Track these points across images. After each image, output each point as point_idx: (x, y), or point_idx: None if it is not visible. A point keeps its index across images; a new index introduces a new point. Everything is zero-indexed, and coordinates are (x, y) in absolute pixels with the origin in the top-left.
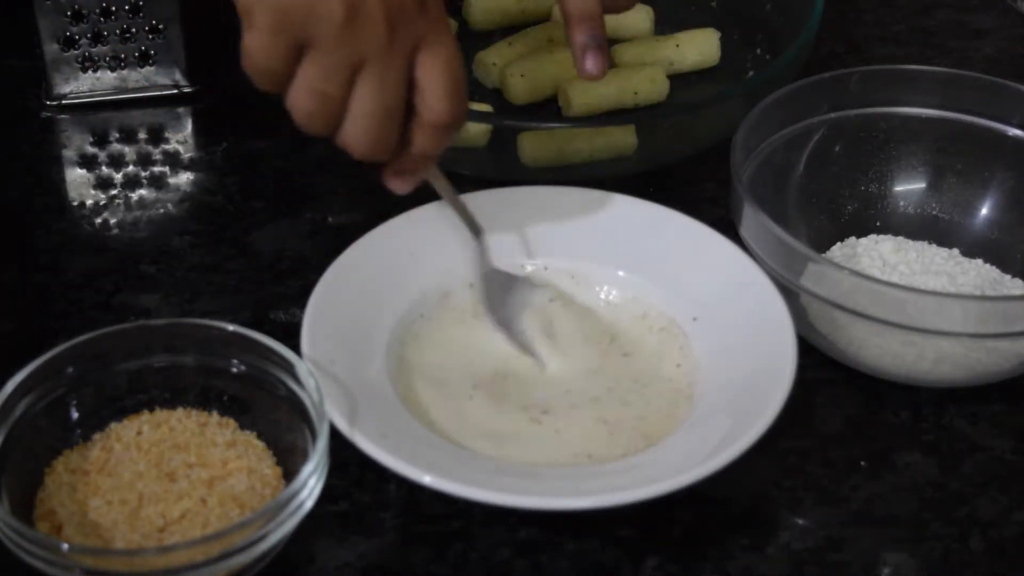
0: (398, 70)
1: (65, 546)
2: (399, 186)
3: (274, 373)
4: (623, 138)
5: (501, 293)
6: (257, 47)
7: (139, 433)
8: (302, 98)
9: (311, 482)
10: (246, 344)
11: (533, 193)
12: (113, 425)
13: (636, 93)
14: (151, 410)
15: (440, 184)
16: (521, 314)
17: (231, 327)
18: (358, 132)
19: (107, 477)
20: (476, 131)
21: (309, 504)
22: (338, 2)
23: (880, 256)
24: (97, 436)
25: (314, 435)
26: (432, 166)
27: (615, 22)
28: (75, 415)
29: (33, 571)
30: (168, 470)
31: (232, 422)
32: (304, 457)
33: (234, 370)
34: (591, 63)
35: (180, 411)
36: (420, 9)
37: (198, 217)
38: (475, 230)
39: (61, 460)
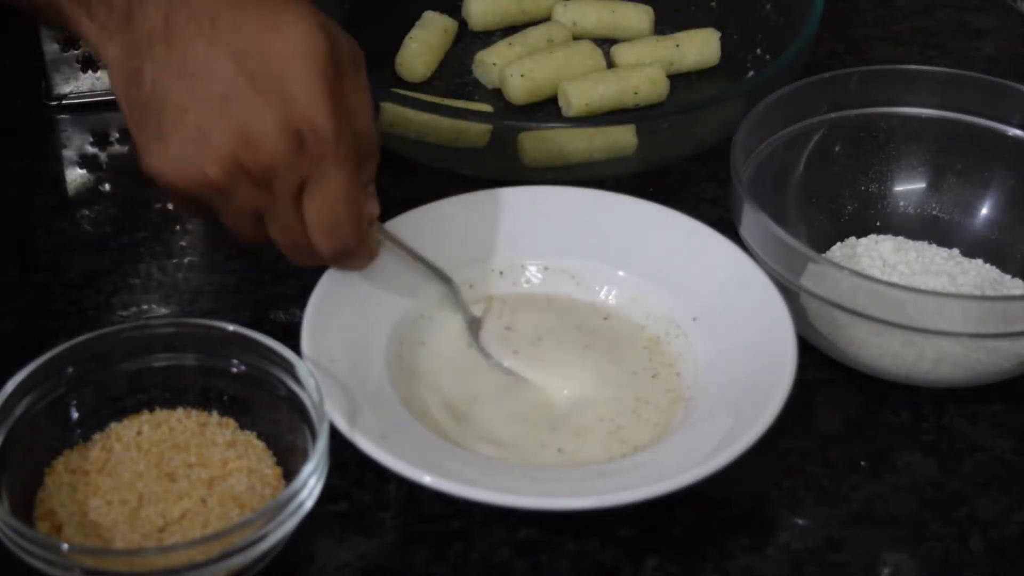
0: (287, 216)
1: (65, 546)
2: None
3: (274, 373)
4: (623, 138)
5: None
6: (175, 202)
7: (139, 433)
8: (237, 231)
9: (311, 482)
10: (246, 344)
11: (533, 193)
12: (113, 425)
13: (636, 93)
14: (151, 410)
15: (397, 244)
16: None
17: (231, 327)
18: (292, 255)
19: (107, 477)
20: (476, 131)
21: (309, 504)
22: (213, 175)
23: (880, 256)
24: (97, 436)
25: (314, 435)
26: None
27: (615, 22)
28: (75, 415)
29: (33, 571)
30: (168, 470)
31: (232, 422)
32: (304, 457)
33: (234, 370)
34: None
35: (180, 411)
36: (295, 154)
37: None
38: (444, 279)
39: (61, 460)
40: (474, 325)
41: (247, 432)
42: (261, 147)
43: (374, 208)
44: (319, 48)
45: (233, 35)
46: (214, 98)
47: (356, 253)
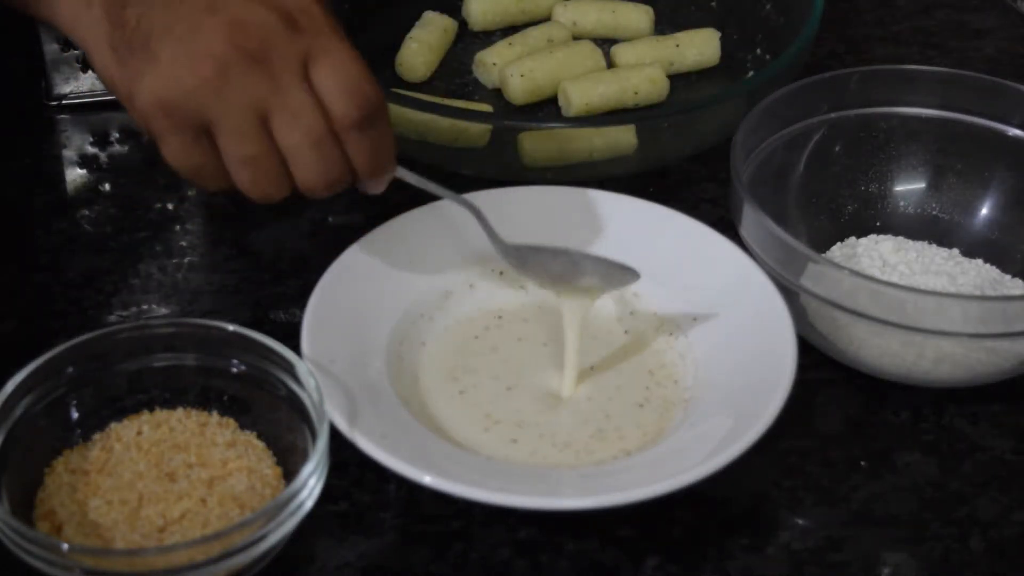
0: (298, 96)
1: (65, 546)
2: (372, 186)
3: (274, 373)
4: (623, 138)
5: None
6: (174, 153)
7: (139, 433)
8: (241, 173)
9: (311, 482)
10: (246, 344)
11: (533, 193)
12: (113, 425)
13: (636, 93)
14: (151, 410)
15: (413, 178)
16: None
17: (231, 327)
18: (307, 168)
19: (107, 477)
20: (476, 131)
21: (309, 504)
22: (208, 71)
23: (880, 256)
24: (97, 436)
25: (314, 435)
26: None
27: (615, 22)
28: (75, 415)
29: (33, 571)
30: (168, 470)
31: (232, 422)
32: (304, 457)
33: (234, 370)
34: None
35: (180, 411)
36: (290, 31)
37: (198, 217)
38: (472, 209)
39: (61, 460)
40: (508, 250)
41: (247, 432)
42: (253, 29)
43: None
44: None
45: None
46: (199, 6)
47: (381, 120)
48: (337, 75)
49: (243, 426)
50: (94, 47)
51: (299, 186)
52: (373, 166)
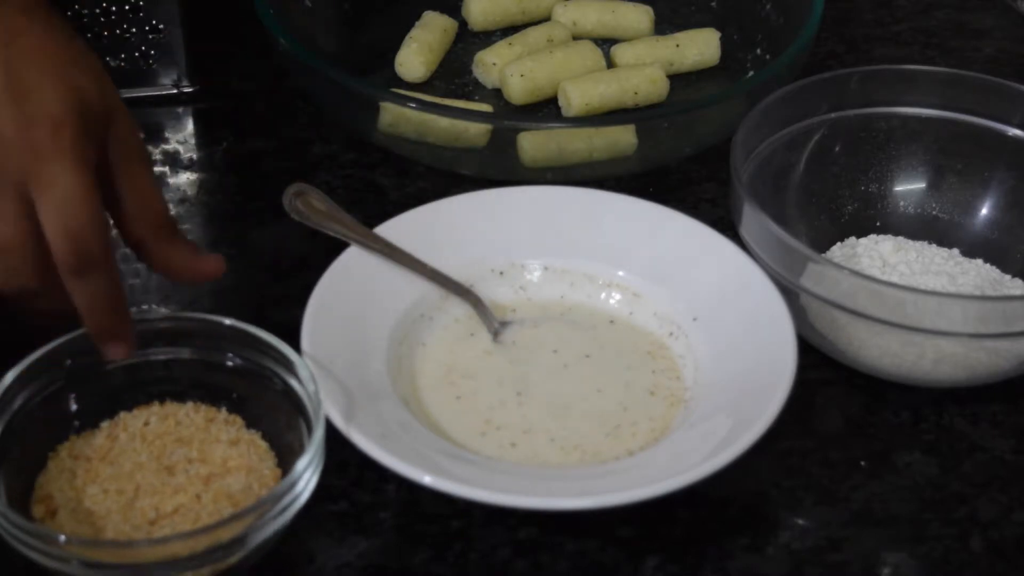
0: (15, 223)
1: (62, 538)
2: (115, 351)
3: (270, 367)
4: (623, 138)
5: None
6: None
7: (146, 424)
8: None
9: (307, 475)
10: (243, 338)
11: (533, 193)
12: (123, 414)
13: (636, 93)
14: (161, 402)
15: (411, 262)
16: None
17: (228, 321)
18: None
19: (108, 465)
20: (476, 131)
21: (304, 498)
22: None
23: (880, 256)
24: (105, 424)
25: (310, 429)
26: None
27: (615, 22)
28: (73, 407)
29: (31, 563)
30: (168, 463)
31: (239, 420)
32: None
33: (230, 364)
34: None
35: (190, 405)
36: (25, 147)
37: (198, 217)
38: (465, 294)
39: (66, 445)
40: (499, 331)
41: (252, 431)
42: None
43: (214, 263)
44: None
45: None
46: None
47: (99, 269)
48: (58, 214)
49: (250, 425)
50: None
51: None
52: (93, 316)
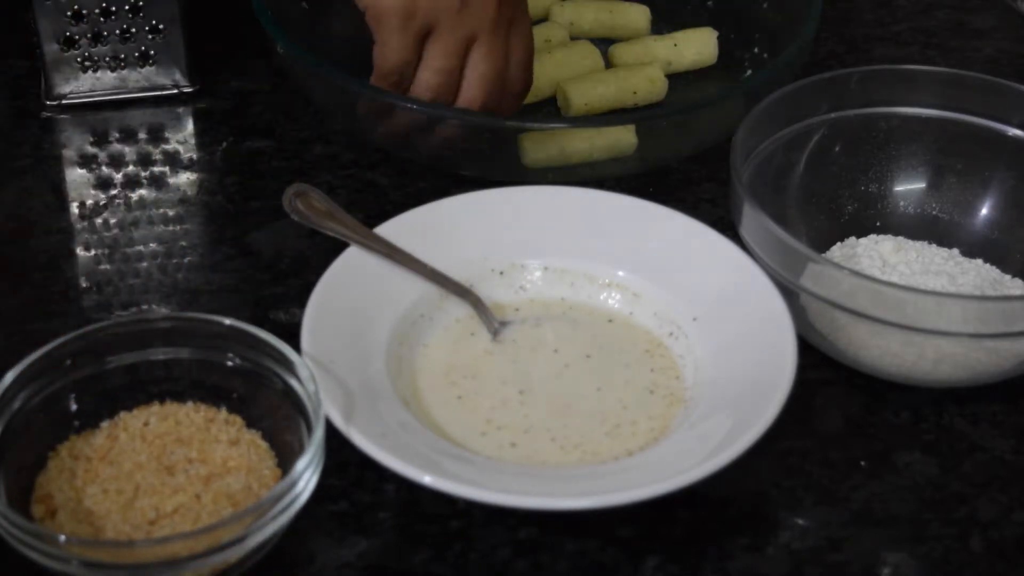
0: (503, 39)
1: (62, 538)
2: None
3: (270, 367)
4: (623, 138)
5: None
6: (392, 46)
7: (146, 424)
8: (430, 78)
9: (307, 475)
10: (242, 338)
11: (533, 193)
12: (123, 414)
13: (635, 93)
14: (161, 402)
15: (411, 262)
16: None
17: (227, 321)
18: (476, 93)
19: (108, 465)
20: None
21: (304, 498)
22: None
23: (880, 256)
24: (106, 424)
25: (310, 428)
26: None
27: (613, 22)
28: (73, 407)
29: (31, 562)
30: (168, 463)
31: (239, 420)
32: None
33: (230, 364)
34: None
35: (190, 405)
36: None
37: (198, 217)
38: (464, 293)
39: (66, 445)
40: (499, 330)
41: (252, 431)
42: None
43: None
44: None
45: None
46: None
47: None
48: (528, 51)
49: (250, 425)
50: None
51: (459, 100)
52: (511, 108)
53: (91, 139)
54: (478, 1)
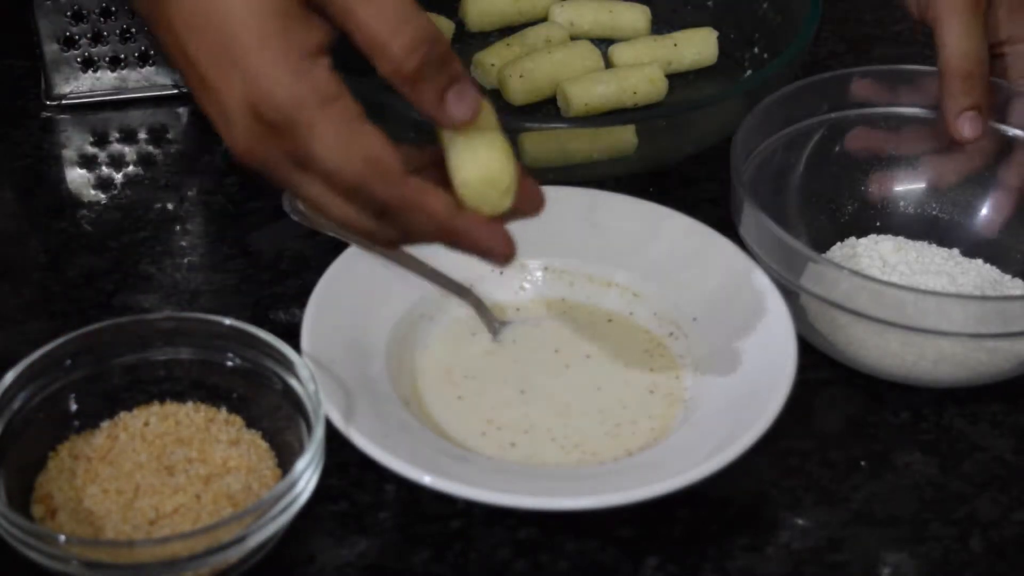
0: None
1: (62, 538)
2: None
3: (270, 367)
4: (623, 138)
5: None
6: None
7: (146, 424)
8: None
9: (307, 475)
10: (243, 338)
11: None
12: (123, 414)
13: (635, 93)
14: (161, 402)
15: (410, 263)
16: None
17: (228, 321)
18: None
19: (108, 466)
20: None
21: (304, 498)
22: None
23: (880, 256)
24: (105, 424)
25: (310, 429)
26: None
27: (612, 22)
28: (73, 408)
29: (30, 562)
30: (168, 463)
31: (239, 420)
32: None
33: (230, 364)
34: (968, 128)
35: (190, 405)
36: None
37: (198, 217)
38: (464, 293)
39: (66, 445)
40: (499, 330)
41: (252, 431)
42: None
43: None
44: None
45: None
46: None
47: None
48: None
49: (250, 425)
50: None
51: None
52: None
53: (91, 139)
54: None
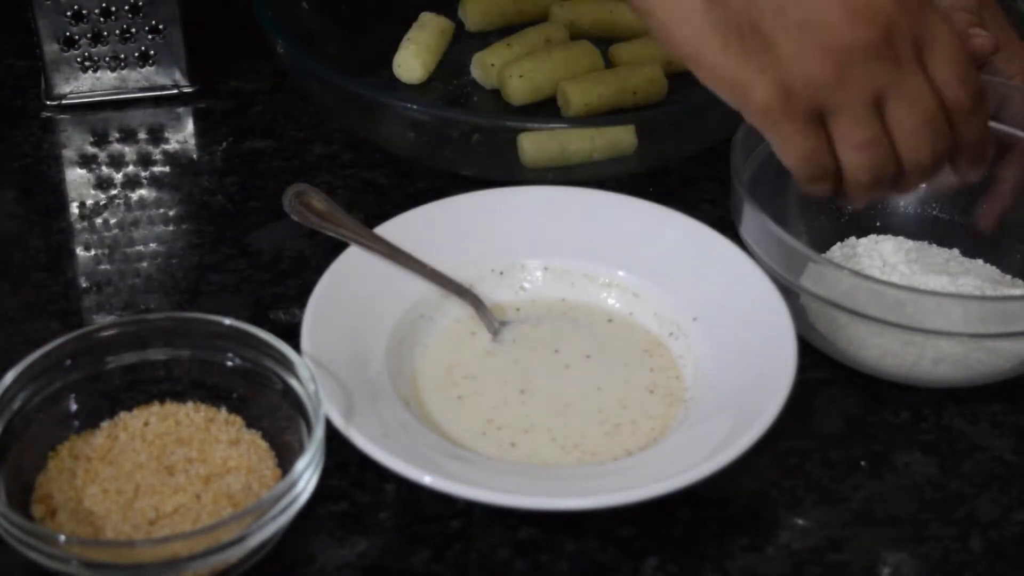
0: (916, 81)
1: (62, 538)
2: (971, 172)
3: (270, 367)
4: (623, 138)
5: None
6: (788, 139)
7: (146, 424)
8: (858, 157)
9: (307, 475)
10: (243, 338)
11: (533, 193)
12: (123, 414)
13: (635, 93)
14: (161, 402)
15: (408, 260)
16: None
17: (228, 321)
18: (920, 147)
19: (108, 465)
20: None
21: (304, 498)
22: (832, 64)
23: (880, 256)
24: (105, 424)
25: (310, 429)
26: None
27: (613, 21)
28: (73, 407)
29: (30, 562)
30: (168, 463)
31: (239, 420)
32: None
33: (230, 364)
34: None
35: (190, 405)
36: (904, 15)
37: (198, 217)
38: (463, 292)
39: (66, 445)
40: (499, 330)
41: (253, 431)
42: (873, 16)
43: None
44: None
45: None
46: None
47: (985, 107)
48: (950, 63)
49: (250, 425)
50: (702, 43)
51: (907, 165)
52: (978, 150)
53: (91, 139)
54: (862, 65)
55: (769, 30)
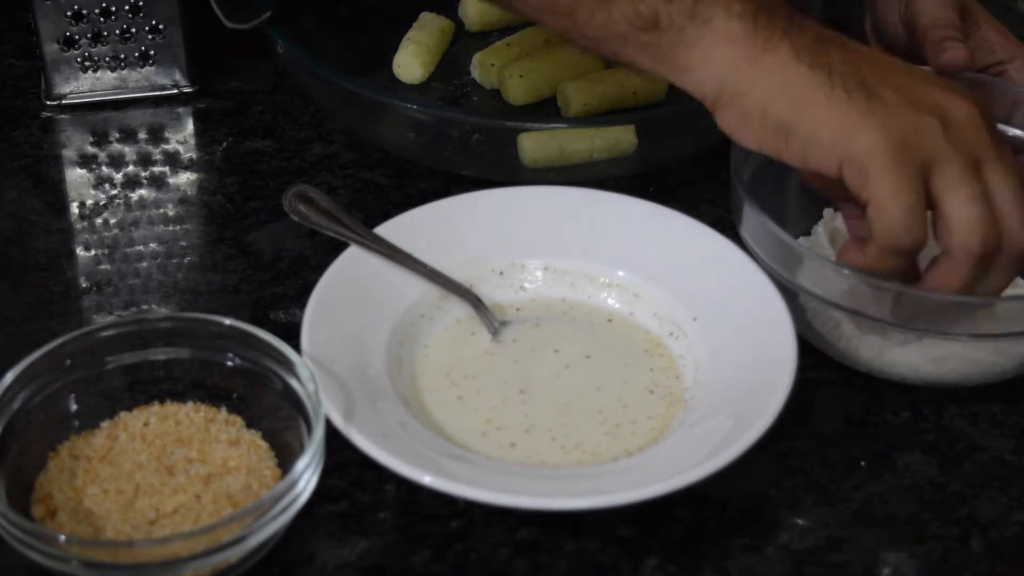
0: (1008, 154)
1: (62, 538)
2: None
3: (270, 367)
4: (623, 138)
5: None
6: (890, 188)
7: (146, 424)
8: (965, 212)
9: (307, 475)
10: (243, 338)
11: (533, 193)
12: (123, 414)
13: (635, 93)
14: (161, 402)
15: (410, 261)
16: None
17: (228, 321)
18: (1017, 216)
19: (108, 466)
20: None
21: (304, 498)
22: (934, 116)
23: None
24: (105, 424)
25: (310, 429)
26: None
27: None
28: (73, 407)
29: (30, 562)
30: (168, 463)
31: (239, 420)
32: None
33: (230, 364)
34: (950, 55)
35: (190, 405)
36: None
37: (198, 217)
38: (464, 293)
39: (67, 445)
40: (499, 330)
41: (252, 431)
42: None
43: None
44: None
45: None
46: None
47: None
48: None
49: (250, 425)
50: (807, 97)
51: (1006, 233)
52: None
53: (91, 139)
54: (961, 118)
55: (876, 88)
